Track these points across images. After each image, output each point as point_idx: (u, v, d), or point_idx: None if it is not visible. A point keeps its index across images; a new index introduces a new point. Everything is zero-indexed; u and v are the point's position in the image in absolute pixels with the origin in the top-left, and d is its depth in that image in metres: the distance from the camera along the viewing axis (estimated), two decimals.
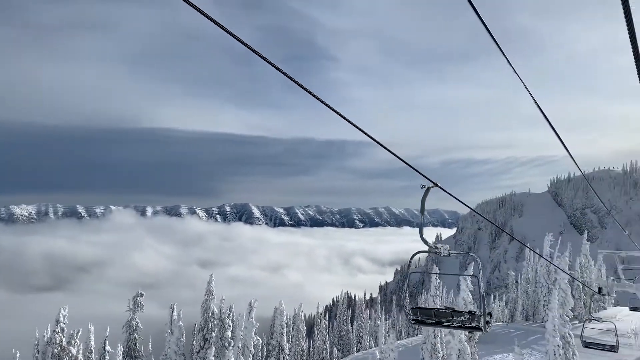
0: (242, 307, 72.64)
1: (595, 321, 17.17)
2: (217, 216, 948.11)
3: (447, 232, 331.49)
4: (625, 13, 3.03)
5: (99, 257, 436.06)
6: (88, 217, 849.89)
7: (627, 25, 3.11)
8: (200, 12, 3.85)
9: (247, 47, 4.06)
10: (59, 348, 36.17)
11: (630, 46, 3.30)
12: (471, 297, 27.84)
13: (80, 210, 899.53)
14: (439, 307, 11.75)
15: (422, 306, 11.56)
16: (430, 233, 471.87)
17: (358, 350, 79.87)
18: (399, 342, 52.31)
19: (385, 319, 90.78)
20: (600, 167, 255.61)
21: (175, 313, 43.24)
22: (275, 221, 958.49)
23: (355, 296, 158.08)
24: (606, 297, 20.02)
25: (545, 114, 6.35)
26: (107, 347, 47.83)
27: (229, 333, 40.64)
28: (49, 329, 48.30)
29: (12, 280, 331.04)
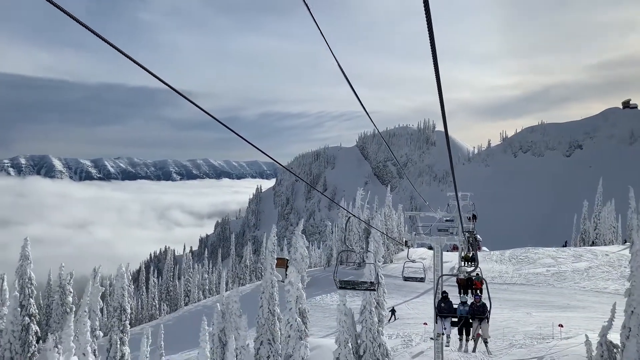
0: (44, 269, 68.27)
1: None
2: (10, 169, 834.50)
3: (266, 184, 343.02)
4: None
5: None
6: None
7: None
8: None
9: None
10: None
11: (424, 11, 3.32)
12: (307, 251, 32.44)
13: None
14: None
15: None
16: (250, 184, 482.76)
17: (186, 304, 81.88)
18: (228, 292, 55.80)
19: (212, 272, 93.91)
20: (400, 124, 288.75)
21: (5, 284, 40.35)
22: (80, 174, 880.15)
23: (174, 250, 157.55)
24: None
25: (347, 72, 6.31)
26: None
27: (70, 299, 39.63)
28: None
29: None
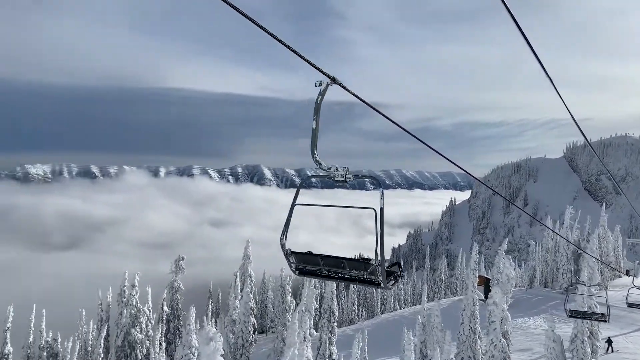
0: (258, 267, 76.22)
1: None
2: (229, 177, 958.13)
3: (460, 196, 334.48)
4: None
5: (113, 217, 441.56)
6: (101, 177, 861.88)
7: None
8: None
9: (241, 13, 3.69)
10: (135, 309, 40.69)
11: None
12: (512, 273, 31.90)
13: (94, 170, 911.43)
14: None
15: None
16: (443, 196, 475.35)
17: (382, 312, 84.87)
18: (429, 305, 56.70)
19: (407, 283, 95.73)
20: (618, 133, 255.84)
21: (238, 280, 47.72)
22: (286, 182, 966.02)
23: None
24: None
25: (553, 75, 5.93)
26: (165, 308, 52.39)
27: (289, 298, 45.08)
28: (111, 291, 52.82)
29: (29, 239, 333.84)
